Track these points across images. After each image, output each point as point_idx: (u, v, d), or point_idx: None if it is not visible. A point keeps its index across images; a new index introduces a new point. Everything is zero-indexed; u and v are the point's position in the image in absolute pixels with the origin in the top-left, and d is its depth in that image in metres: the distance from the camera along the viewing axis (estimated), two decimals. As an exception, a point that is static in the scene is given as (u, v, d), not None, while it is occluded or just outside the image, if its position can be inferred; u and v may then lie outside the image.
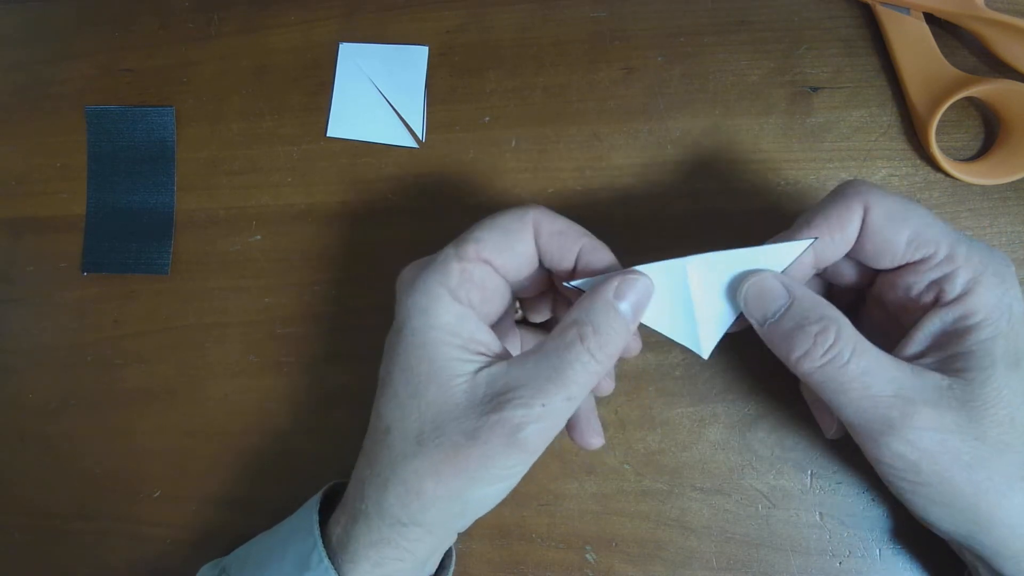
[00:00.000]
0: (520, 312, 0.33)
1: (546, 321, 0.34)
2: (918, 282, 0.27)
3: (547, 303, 0.32)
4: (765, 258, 0.27)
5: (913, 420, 0.24)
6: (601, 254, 0.28)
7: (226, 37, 0.40)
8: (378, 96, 0.38)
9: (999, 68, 0.34)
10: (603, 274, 0.27)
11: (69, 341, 0.39)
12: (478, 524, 0.34)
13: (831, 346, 0.25)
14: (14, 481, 0.38)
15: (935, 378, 0.25)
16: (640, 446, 0.35)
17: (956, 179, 0.34)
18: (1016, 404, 0.25)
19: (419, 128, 0.38)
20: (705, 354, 0.28)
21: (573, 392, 0.25)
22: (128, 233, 0.39)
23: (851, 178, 0.34)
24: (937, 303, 0.26)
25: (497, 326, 0.30)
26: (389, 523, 0.27)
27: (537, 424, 0.25)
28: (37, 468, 0.38)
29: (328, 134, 0.38)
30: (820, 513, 0.33)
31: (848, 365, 0.25)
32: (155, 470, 0.37)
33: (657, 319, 0.28)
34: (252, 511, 0.36)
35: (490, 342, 0.27)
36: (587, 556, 0.34)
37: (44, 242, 0.40)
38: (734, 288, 0.27)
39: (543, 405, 0.25)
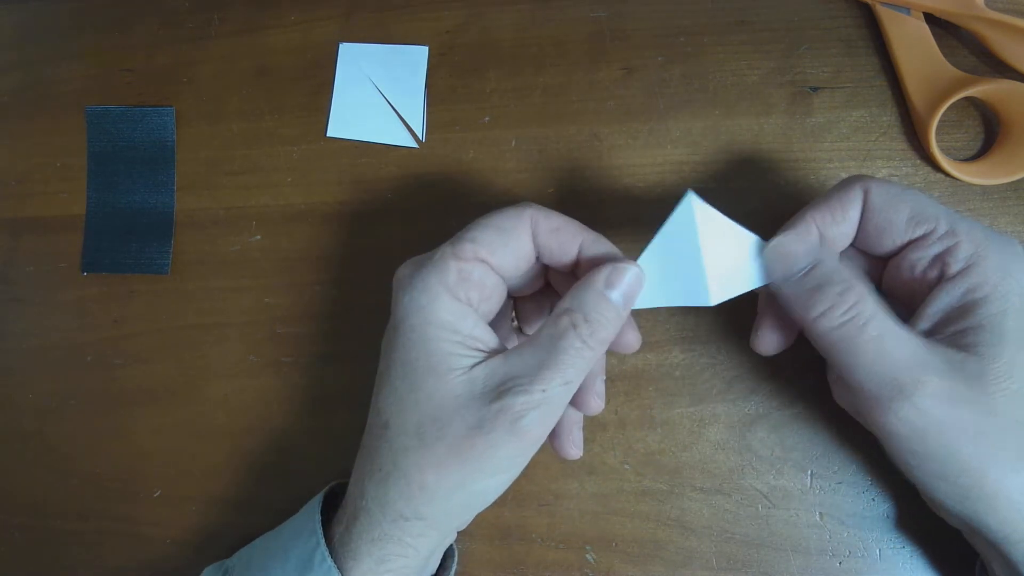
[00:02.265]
0: (516, 322, 0.34)
1: None
2: (922, 258, 0.27)
3: (542, 313, 0.33)
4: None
5: (924, 387, 0.24)
6: (602, 246, 0.28)
7: (226, 37, 0.40)
8: (378, 96, 0.38)
9: (999, 68, 0.34)
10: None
11: (69, 341, 0.39)
12: (478, 524, 0.34)
13: (851, 307, 0.25)
14: (14, 481, 0.38)
15: (947, 352, 0.25)
16: (640, 446, 0.35)
17: (956, 179, 0.34)
18: None
19: (419, 128, 0.38)
20: (713, 301, 0.28)
21: (569, 376, 0.26)
22: (128, 233, 0.39)
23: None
24: (943, 278, 0.26)
25: (494, 326, 0.30)
26: (391, 518, 0.27)
27: (538, 410, 0.25)
28: (37, 468, 0.38)
29: (328, 134, 0.38)
30: (820, 513, 0.33)
31: (866, 327, 0.25)
32: (155, 470, 0.37)
33: (661, 293, 0.28)
34: (252, 511, 0.36)
35: (488, 339, 0.28)
36: (587, 556, 0.34)
37: (44, 242, 0.40)
38: (746, 258, 0.28)
39: (543, 391, 0.25)
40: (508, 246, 0.28)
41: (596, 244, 0.28)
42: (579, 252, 0.28)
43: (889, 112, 0.35)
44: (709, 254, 0.28)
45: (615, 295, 0.27)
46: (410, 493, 0.26)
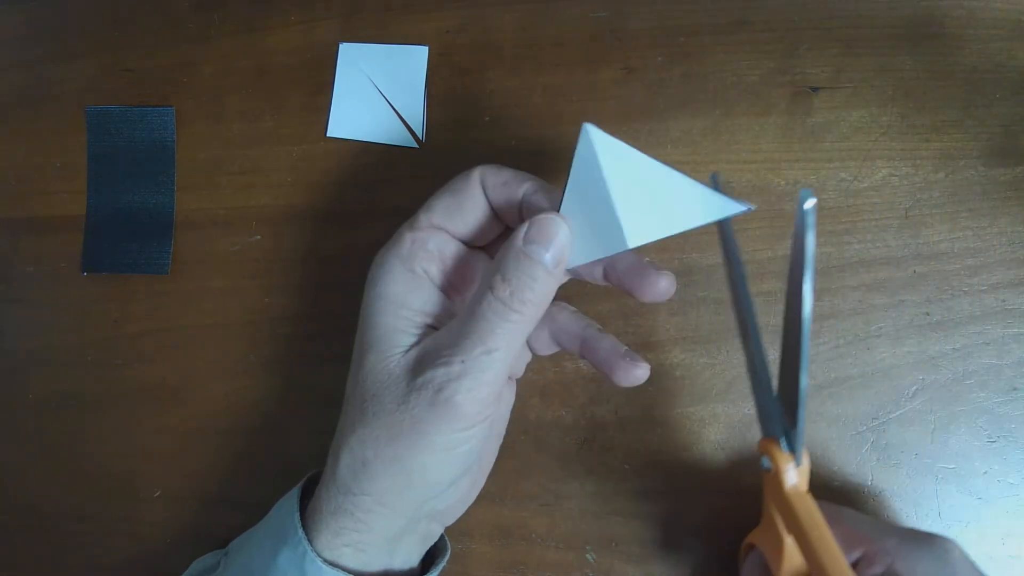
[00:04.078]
0: None
1: None
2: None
3: None
4: (695, 195, 0.25)
5: None
6: (537, 197, 0.27)
7: (226, 37, 0.40)
8: (378, 96, 0.38)
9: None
10: None
11: (69, 341, 0.39)
12: (478, 524, 0.34)
13: None
14: (14, 481, 0.38)
15: None
16: (640, 446, 0.35)
17: (954, 180, 0.34)
18: None
19: (419, 128, 0.38)
20: (630, 243, 0.24)
21: (491, 344, 0.24)
22: (128, 233, 0.39)
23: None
24: None
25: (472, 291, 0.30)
26: (343, 492, 0.27)
27: (459, 382, 0.24)
28: (37, 468, 0.38)
29: (328, 134, 0.38)
30: (820, 513, 0.33)
31: None
32: (155, 470, 0.37)
33: (587, 247, 0.26)
34: (252, 510, 0.36)
35: (439, 312, 0.27)
36: (587, 556, 0.34)
37: (44, 242, 0.40)
38: (668, 196, 0.25)
39: (462, 362, 0.24)
40: (463, 208, 0.27)
41: (533, 195, 0.27)
42: (520, 207, 0.27)
43: (889, 112, 0.35)
44: (618, 190, 0.24)
45: (537, 250, 0.25)
46: (355, 468, 0.26)
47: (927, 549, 0.27)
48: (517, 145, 0.37)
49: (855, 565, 0.28)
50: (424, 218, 0.28)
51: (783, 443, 0.26)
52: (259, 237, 0.38)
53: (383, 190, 0.38)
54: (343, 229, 0.38)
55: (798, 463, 0.26)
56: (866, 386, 0.34)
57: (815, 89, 0.36)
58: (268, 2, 0.39)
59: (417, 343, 0.26)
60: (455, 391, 0.24)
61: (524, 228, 0.25)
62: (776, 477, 0.26)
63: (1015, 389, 0.33)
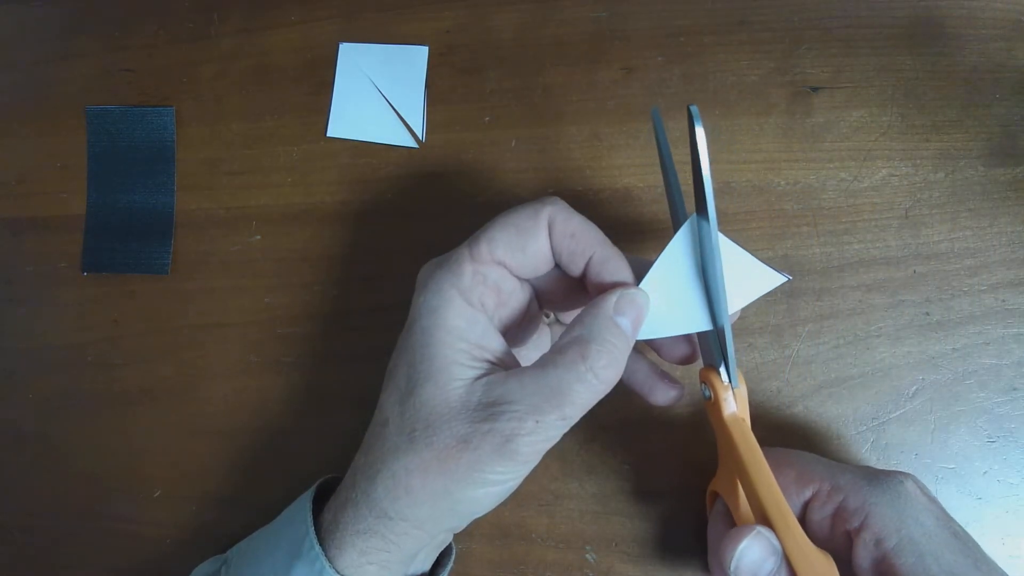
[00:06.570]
0: (552, 315, 0.33)
1: None
2: (823, 519, 0.28)
3: (581, 302, 0.30)
4: (747, 267, 0.27)
5: None
6: (612, 266, 0.27)
7: (226, 37, 0.40)
8: (378, 96, 0.38)
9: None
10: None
11: (69, 341, 0.39)
12: (478, 524, 0.34)
13: None
14: (14, 481, 0.38)
15: None
16: (640, 446, 0.35)
17: (955, 179, 0.34)
18: None
19: (419, 128, 0.38)
20: (711, 326, 0.27)
21: (568, 413, 0.25)
22: (128, 233, 0.39)
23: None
24: (850, 533, 0.27)
25: (519, 326, 0.30)
26: (376, 514, 0.27)
27: (529, 437, 0.25)
28: (37, 468, 0.38)
29: (328, 134, 0.38)
30: (820, 513, 0.33)
31: None
32: (155, 470, 0.37)
33: (662, 322, 0.27)
34: (252, 511, 0.36)
35: (498, 348, 0.27)
36: (587, 556, 0.34)
37: (44, 242, 0.40)
38: (739, 279, 0.27)
39: (536, 422, 0.25)
40: (526, 248, 0.27)
41: (606, 263, 0.27)
42: (586, 267, 0.27)
43: (889, 112, 0.35)
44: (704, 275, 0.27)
45: (624, 322, 0.26)
46: (396, 494, 0.26)
47: (881, 485, 0.27)
48: (517, 145, 0.37)
49: (807, 505, 0.28)
50: (486, 251, 0.27)
51: (722, 372, 0.27)
52: (259, 237, 0.38)
53: (383, 190, 0.38)
54: (343, 229, 0.38)
55: (734, 385, 0.27)
56: (866, 386, 0.34)
57: (815, 89, 0.36)
58: (268, 2, 0.39)
59: (476, 378, 0.26)
60: (523, 444, 0.25)
61: (614, 298, 0.26)
62: (716, 405, 0.28)
63: (1015, 389, 0.33)
